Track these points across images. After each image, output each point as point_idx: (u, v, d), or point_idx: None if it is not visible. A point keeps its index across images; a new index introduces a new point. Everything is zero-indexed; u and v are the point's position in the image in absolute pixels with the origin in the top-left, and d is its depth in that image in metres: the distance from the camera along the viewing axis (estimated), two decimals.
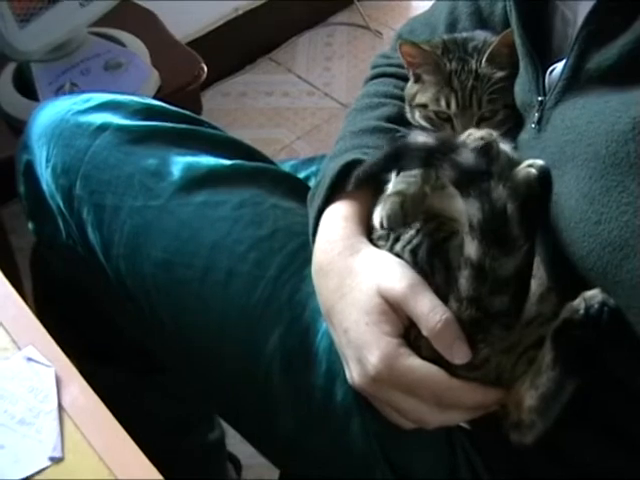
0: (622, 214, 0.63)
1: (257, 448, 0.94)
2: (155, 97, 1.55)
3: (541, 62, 0.76)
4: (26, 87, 1.53)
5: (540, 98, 0.75)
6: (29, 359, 0.71)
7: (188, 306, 0.86)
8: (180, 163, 0.90)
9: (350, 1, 2.44)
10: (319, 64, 2.32)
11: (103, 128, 0.92)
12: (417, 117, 0.85)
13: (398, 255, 0.76)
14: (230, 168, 0.91)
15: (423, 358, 0.73)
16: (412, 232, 0.76)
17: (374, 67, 0.98)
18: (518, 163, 0.74)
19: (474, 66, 0.81)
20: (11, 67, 1.58)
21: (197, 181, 0.89)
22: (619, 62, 0.67)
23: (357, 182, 0.80)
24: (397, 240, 0.76)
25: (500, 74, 0.82)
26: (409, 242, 0.75)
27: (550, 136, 0.73)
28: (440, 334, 0.71)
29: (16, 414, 0.67)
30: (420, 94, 0.85)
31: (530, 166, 0.72)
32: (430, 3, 0.99)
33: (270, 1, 2.22)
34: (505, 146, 0.76)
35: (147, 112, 0.95)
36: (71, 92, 1.42)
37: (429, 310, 0.71)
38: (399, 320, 0.74)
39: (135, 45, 1.61)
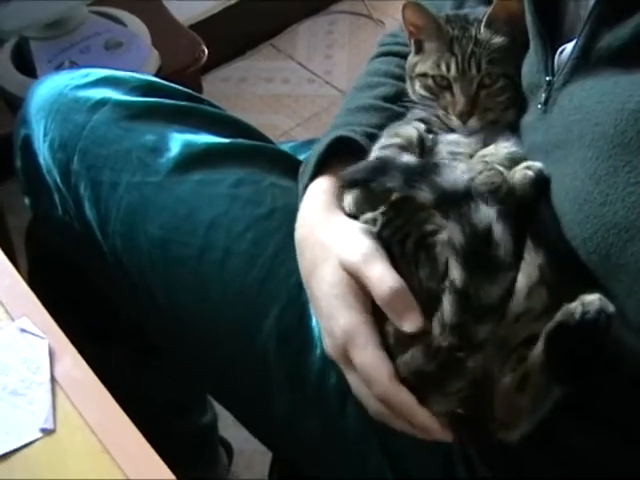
0: (629, 195, 0.62)
1: (251, 430, 0.93)
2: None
3: (551, 43, 0.75)
4: (25, 65, 1.52)
5: (548, 78, 0.74)
6: (22, 330, 0.70)
7: (184, 285, 0.85)
8: (179, 140, 0.89)
9: None
10: (320, 52, 2.30)
11: (102, 103, 0.91)
12: (417, 88, 0.85)
13: (387, 241, 0.75)
14: (228, 146, 0.91)
15: (389, 345, 0.72)
16: (401, 221, 0.75)
17: (381, 45, 0.97)
18: (520, 158, 0.73)
19: (474, 32, 0.82)
20: (10, 44, 1.57)
21: (195, 158, 0.88)
22: (630, 42, 0.66)
23: (341, 183, 0.79)
24: (386, 225, 0.76)
25: (498, 40, 0.81)
26: (399, 230, 0.75)
27: (556, 116, 0.72)
28: (390, 302, 0.71)
29: (8, 385, 0.67)
30: (421, 64, 0.85)
31: (528, 168, 0.71)
32: None
33: None
34: (506, 143, 0.76)
35: (146, 88, 0.94)
36: None
37: (379, 278, 0.71)
38: (363, 292, 0.74)
39: (136, 25, 1.61)
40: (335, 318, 0.74)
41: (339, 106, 0.92)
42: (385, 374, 0.71)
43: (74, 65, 1.44)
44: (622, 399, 0.70)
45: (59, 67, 1.45)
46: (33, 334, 0.69)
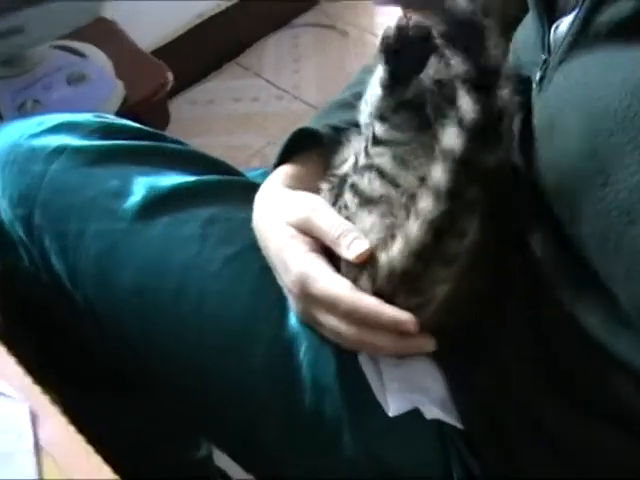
0: (632, 174, 0.59)
1: (244, 467, 0.92)
2: (121, 108, 1.53)
3: (548, 18, 0.72)
4: None
5: (544, 56, 0.71)
6: (1, 394, 0.67)
7: (161, 331, 0.83)
8: (143, 182, 0.87)
9: (314, 2, 2.42)
10: (287, 67, 2.29)
11: (59, 151, 0.88)
12: None
13: (352, 185, 0.77)
14: (195, 184, 0.88)
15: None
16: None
17: None
18: None
19: None
20: None
21: (162, 200, 0.86)
22: (634, 16, 0.63)
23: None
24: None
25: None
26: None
27: (552, 95, 0.69)
28: (340, 238, 0.74)
29: None
30: None
31: None
32: None
33: (234, 6, 2.19)
34: None
35: (105, 130, 0.91)
36: (33, 109, 1.40)
37: (329, 223, 0.75)
38: (309, 238, 0.77)
39: (98, 57, 1.59)
40: (287, 271, 0.76)
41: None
42: (345, 287, 0.73)
43: (37, 104, 1.41)
44: (622, 395, 0.69)
45: (22, 106, 1.42)
46: (13, 399, 0.67)
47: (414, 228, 0.69)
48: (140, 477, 0.66)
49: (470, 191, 0.67)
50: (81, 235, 0.85)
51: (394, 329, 0.72)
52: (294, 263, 0.76)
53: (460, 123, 0.66)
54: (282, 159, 0.87)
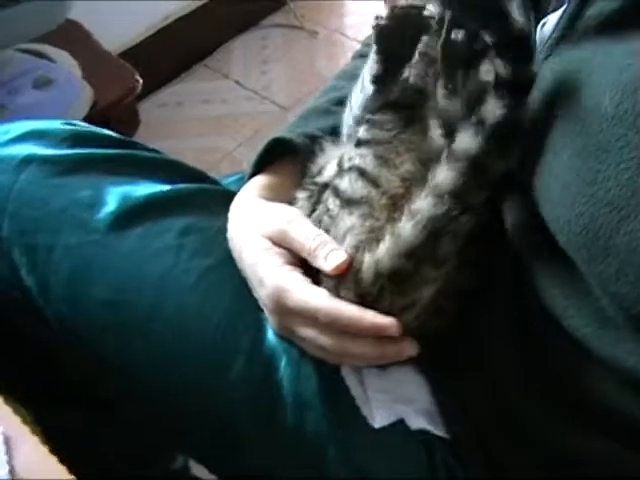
0: (622, 171, 0.58)
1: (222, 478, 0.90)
2: (90, 113, 1.50)
3: (534, 16, 0.71)
4: None
5: None
6: None
7: (137, 345, 0.81)
8: (116, 192, 0.84)
9: (283, 2, 2.41)
10: (256, 68, 2.27)
11: (27, 161, 0.85)
12: None
13: (335, 188, 0.75)
14: (170, 193, 0.86)
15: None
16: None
17: (361, 45, 0.97)
18: None
19: None
20: None
21: (136, 210, 0.83)
22: (625, 7, 0.62)
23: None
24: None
25: None
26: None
27: (537, 93, 0.67)
28: (316, 250, 0.73)
29: None
30: None
31: None
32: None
33: (201, 7, 2.17)
34: None
35: (74, 139, 0.88)
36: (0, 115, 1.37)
37: (305, 235, 0.74)
38: (283, 250, 0.76)
39: (65, 60, 1.56)
40: (262, 284, 0.75)
41: (280, 121, 0.92)
42: (323, 296, 0.71)
43: (3, 109, 1.38)
44: (609, 399, 0.68)
45: None
46: None
47: (407, 228, 0.68)
48: None
49: (476, 195, 0.66)
50: (52, 248, 0.82)
51: (376, 335, 0.70)
52: (269, 277, 0.74)
53: (480, 124, 0.65)
54: (257, 169, 0.85)
